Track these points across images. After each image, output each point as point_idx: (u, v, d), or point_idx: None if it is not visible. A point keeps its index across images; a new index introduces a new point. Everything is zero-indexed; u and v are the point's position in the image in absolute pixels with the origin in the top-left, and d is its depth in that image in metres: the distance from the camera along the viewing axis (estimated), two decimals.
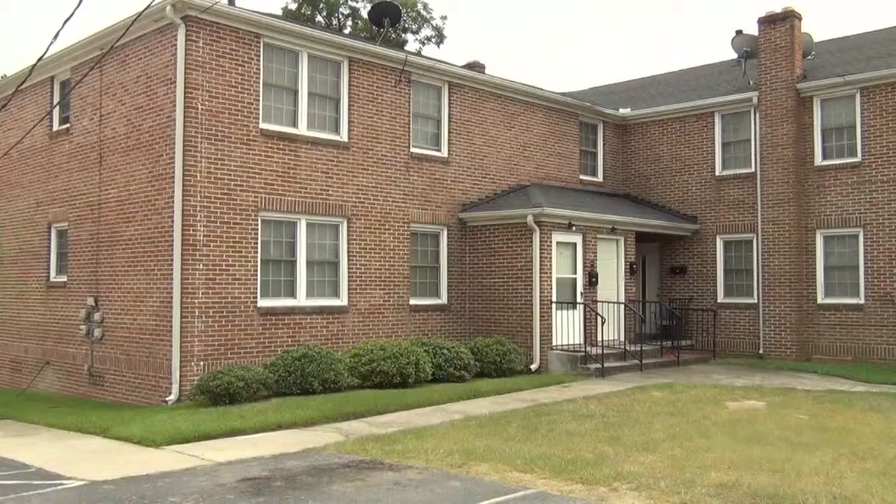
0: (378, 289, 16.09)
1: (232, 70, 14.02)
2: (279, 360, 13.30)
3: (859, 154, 18.43)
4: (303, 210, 14.95)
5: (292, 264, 14.85)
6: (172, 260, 13.28)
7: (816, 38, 21.37)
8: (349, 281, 15.61)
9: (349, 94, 15.84)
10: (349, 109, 15.83)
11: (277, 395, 12.93)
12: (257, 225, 14.25)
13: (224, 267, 13.68)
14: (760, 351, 19.20)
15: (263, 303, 14.24)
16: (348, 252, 15.64)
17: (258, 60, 14.43)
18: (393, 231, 16.46)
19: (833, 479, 7.61)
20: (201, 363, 13.22)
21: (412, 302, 16.75)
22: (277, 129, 14.69)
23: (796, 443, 9.35)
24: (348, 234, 15.67)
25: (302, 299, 14.85)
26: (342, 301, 15.51)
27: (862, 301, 18.23)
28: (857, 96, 18.51)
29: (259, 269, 14.23)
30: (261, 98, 14.47)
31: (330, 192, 15.42)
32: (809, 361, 18.36)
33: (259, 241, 14.28)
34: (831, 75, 19.04)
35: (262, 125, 14.46)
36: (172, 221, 13.36)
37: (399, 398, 12.57)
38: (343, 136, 15.74)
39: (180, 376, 13.03)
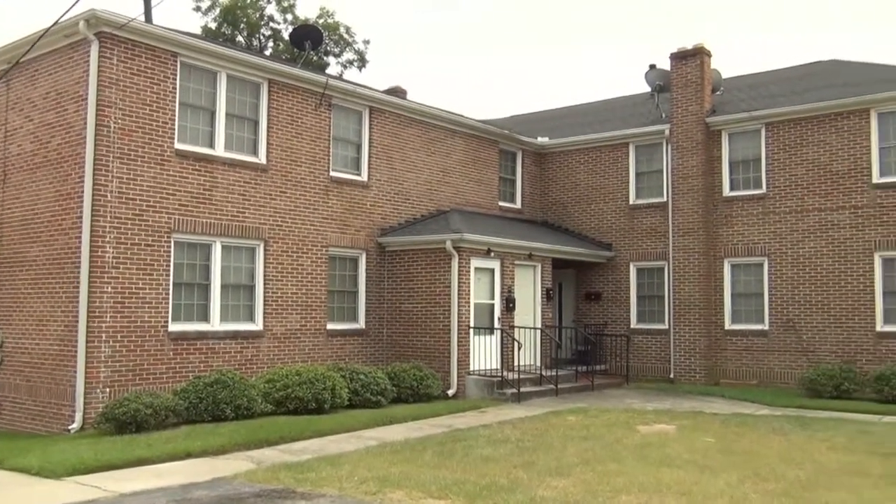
0: (295, 313, 15.88)
1: (147, 88, 13.71)
2: (190, 387, 12.93)
3: (764, 186, 19.23)
4: (218, 232, 14.66)
5: (206, 288, 14.52)
6: (79, 282, 12.81)
7: (725, 75, 22.28)
8: (265, 305, 15.35)
9: (268, 115, 15.69)
10: (268, 131, 15.67)
11: (188, 422, 12.56)
12: (170, 247, 13.90)
13: (134, 290, 13.28)
14: (671, 375, 19.70)
15: (175, 327, 13.86)
16: (265, 276, 15.40)
17: (175, 79, 14.16)
18: (311, 255, 16.30)
19: (737, 501, 7.84)
20: (107, 390, 12.75)
21: (329, 327, 16.58)
22: (193, 149, 14.41)
23: (704, 465, 9.59)
24: (265, 258, 15.44)
25: (216, 324, 14.52)
26: (257, 325, 15.24)
27: (766, 327, 18.94)
28: (763, 131, 19.35)
29: (171, 292, 13.86)
30: (177, 117, 14.18)
31: (247, 215, 15.18)
32: (717, 385, 18.92)
33: (172, 264, 13.92)
34: (738, 110, 19.86)
35: (178, 145, 14.16)
36: (80, 242, 12.90)
37: (314, 425, 12.38)
38: (261, 159, 15.55)
39: (84, 403, 12.53)
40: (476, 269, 17.31)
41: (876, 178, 17.76)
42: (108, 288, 12.92)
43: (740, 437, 11.73)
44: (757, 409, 15.46)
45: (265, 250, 15.45)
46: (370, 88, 18.74)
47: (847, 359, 17.57)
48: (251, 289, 15.28)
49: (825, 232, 18.30)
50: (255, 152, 15.53)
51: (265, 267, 15.42)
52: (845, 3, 63.29)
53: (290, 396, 13.47)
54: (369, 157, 17.70)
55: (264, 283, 15.37)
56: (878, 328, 17.46)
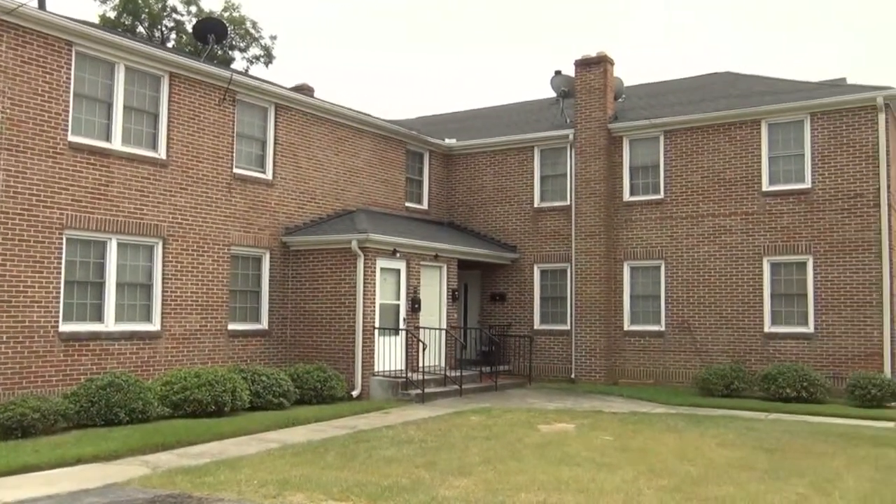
0: (195, 313, 15.47)
1: (39, 78, 13.11)
2: (82, 390, 12.41)
3: (662, 192, 19.90)
4: (114, 229, 14.15)
5: (100, 286, 13.99)
6: None
7: (627, 83, 22.93)
8: (163, 305, 14.91)
9: (169, 110, 15.24)
10: (169, 126, 15.22)
11: (79, 427, 12.05)
12: (62, 244, 13.33)
13: (22, 288, 12.67)
14: (573, 375, 20.14)
15: (66, 327, 13.30)
16: (163, 275, 14.95)
17: (69, 69, 13.59)
18: (212, 254, 15.92)
19: (632, 497, 8.07)
20: None
21: (231, 327, 16.23)
22: (88, 142, 13.87)
23: (601, 463, 9.83)
24: (164, 256, 14.99)
25: (110, 324, 14.01)
26: (155, 326, 14.78)
27: (663, 328, 19.60)
28: (661, 138, 20.01)
29: (63, 291, 13.29)
30: (71, 109, 13.62)
31: (145, 212, 14.70)
32: (616, 385, 19.46)
33: (64, 262, 13.36)
34: (639, 118, 20.48)
35: (72, 138, 13.60)
36: None
37: (213, 428, 12.07)
38: (161, 154, 15.10)
39: None
40: (382, 269, 17.27)
41: (765, 187, 18.62)
42: None
43: (637, 435, 12.09)
44: (653, 407, 15.96)
45: (164, 248, 15.00)
46: (276, 85, 18.44)
47: (737, 359, 18.35)
48: (149, 288, 14.81)
49: (718, 237, 19.08)
50: (154, 147, 15.06)
51: (164, 265, 14.97)
52: (740, 17, 66.17)
53: (188, 399, 13.10)
54: (274, 154, 17.42)
55: (163, 283, 14.93)
56: (766, 329, 18.32)
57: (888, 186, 17.32)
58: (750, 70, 24.21)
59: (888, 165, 17.42)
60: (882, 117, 17.36)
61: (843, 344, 17.46)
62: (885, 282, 17.12)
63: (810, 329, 17.84)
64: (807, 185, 18.15)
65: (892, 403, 15.87)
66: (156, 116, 15.12)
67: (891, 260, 17.21)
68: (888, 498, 8.23)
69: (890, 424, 13.92)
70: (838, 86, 19.84)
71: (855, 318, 17.38)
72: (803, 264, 18.11)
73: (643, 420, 13.77)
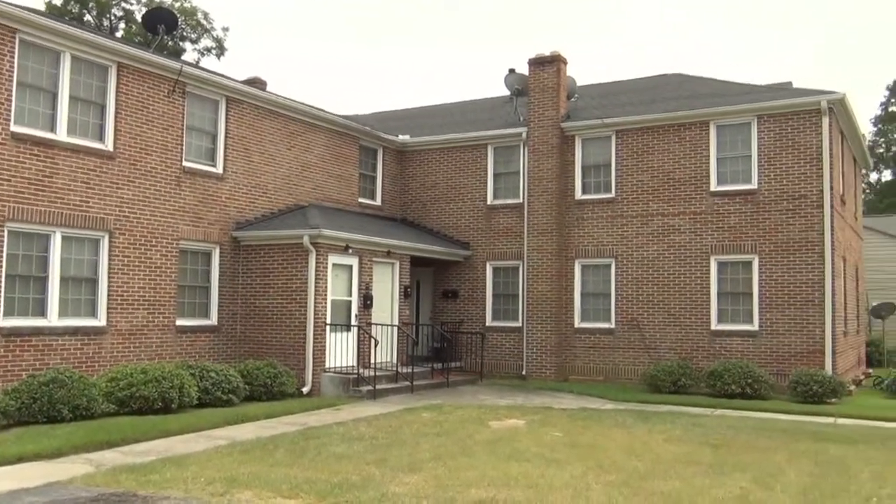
0: (142, 308, 15.19)
1: None
2: (23, 386, 12.08)
3: (613, 190, 20.13)
4: (58, 222, 13.81)
5: (43, 281, 13.65)
6: None
7: (580, 83, 23.12)
8: (109, 300, 14.60)
9: (117, 101, 14.92)
10: (116, 117, 14.90)
11: (20, 424, 11.74)
12: (3, 237, 12.97)
13: None
14: (524, 372, 20.27)
15: (6, 322, 12.94)
16: (109, 269, 14.64)
17: (12, 57, 13.21)
18: (160, 248, 15.64)
19: (581, 492, 8.16)
20: None
21: (179, 323, 15.97)
22: (32, 132, 13.51)
23: (550, 459, 9.92)
24: (110, 250, 14.68)
25: (53, 319, 13.67)
26: (100, 321, 14.47)
27: (613, 325, 19.84)
28: (613, 138, 20.24)
29: (3, 285, 12.93)
30: (14, 98, 13.25)
31: (91, 205, 14.38)
32: (567, 382, 19.64)
33: (5, 255, 12.99)
34: (592, 117, 20.68)
35: (14, 128, 13.23)
36: None
37: (160, 425, 11.88)
38: (108, 145, 14.78)
39: None
40: (334, 265, 17.16)
41: (713, 187, 18.95)
42: None
43: (586, 431, 12.22)
44: (603, 403, 16.15)
45: (110, 242, 14.70)
46: (228, 77, 18.18)
47: (685, 356, 18.67)
48: (94, 282, 14.49)
49: (667, 236, 19.37)
50: (101, 138, 14.74)
51: (110, 260, 14.67)
52: (692, 19, 67.28)
53: (134, 396, 12.86)
54: (225, 148, 17.18)
55: (109, 277, 14.62)
56: (713, 327, 18.66)
57: (831, 188, 17.77)
58: (700, 72, 24.66)
59: (831, 167, 17.87)
60: (826, 121, 17.80)
61: (787, 341, 17.88)
62: (827, 281, 17.56)
63: (755, 327, 18.23)
64: (753, 185, 18.53)
65: (833, 399, 16.31)
66: (103, 107, 14.79)
67: (833, 260, 17.66)
68: (827, 491, 8.46)
69: (830, 420, 14.31)
70: (785, 89, 20.30)
71: (798, 316, 17.80)
72: (749, 263, 18.49)
73: (592, 416, 13.93)
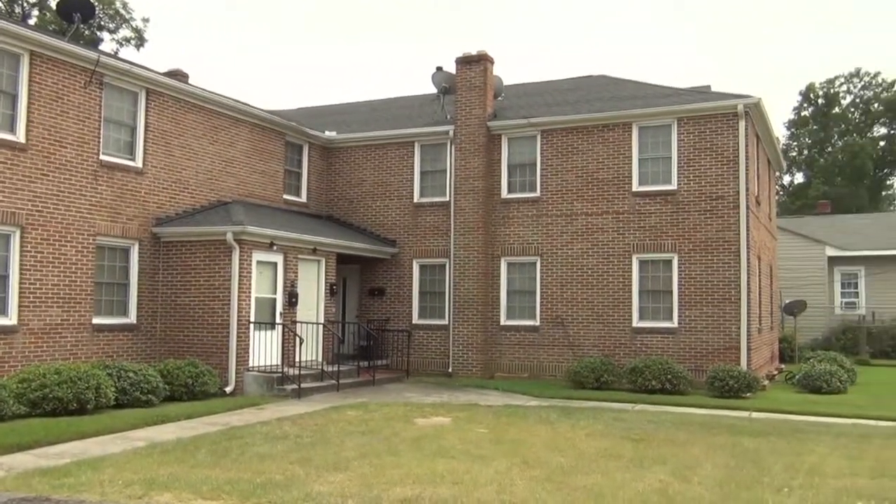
0: (56, 307, 14.65)
1: None
2: None
3: (538, 190, 20.36)
4: None
5: None
6: None
7: (506, 82, 23.30)
8: (21, 297, 14.04)
9: (29, 91, 14.35)
10: (28, 108, 14.34)
11: None
12: None
13: None
14: (450, 370, 20.34)
15: None
16: (20, 265, 14.07)
17: None
18: (76, 244, 15.12)
19: (505, 488, 8.23)
20: None
21: (96, 321, 15.47)
22: None
23: (476, 455, 9.97)
24: (21, 246, 14.11)
25: None
26: (11, 320, 13.90)
27: (538, 323, 20.08)
28: (539, 137, 20.47)
29: None
30: None
31: (1, 199, 13.79)
32: (493, 379, 19.78)
33: None
34: (518, 116, 20.87)
35: None
36: None
37: (75, 426, 11.47)
38: (20, 137, 14.20)
39: None
40: (258, 262, 16.88)
41: (635, 187, 19.37)
42: None
43: (511, 427, 12.33)
44: (528, 400, 16.32)
45: (22, 238, 14.13)
46: (147, 69, 17.66)
47: (607, 352, 19.03)
48: (4, 279, 13.91)
49: (591, 235, 19.70)
50: (12, 129, 14.15)
51: (21, 256, 14.10)
52: (613, 21, 68.65)
53: (47, 397, 12.39)
54: (145, 141, 16.70)
55: (20, 274, 14.05)
56: (634, 324, 19.07)
57: (747, 189, 18.36)
58: (623, 74, 25.15)
59: (747, 169, 18.46)
60: (742, 124, 18.39)
61: (704, 338, 18.40)
62: (742, 280, 18.14)
63: (674, 324, 18.71)
64: (673, 186, 19.01)
65: (748, 394, 16.87)
66: (14, 97, 14.20)
67: (748, 259, 18.26)
68: (742, 482, 8.73)
69: (745, 414, 14.79)
70: (704, 93, 20.87)
71: (715, 313, 18.34)
72: (669, 262, 18.96)
73: (517, 413, 14.06)
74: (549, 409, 14.60)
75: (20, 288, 14.05)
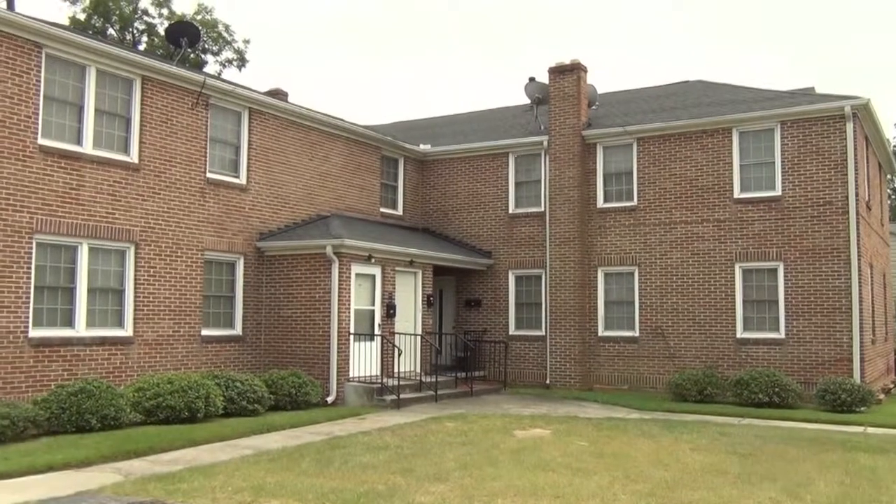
0: (168, 319, 15.31)
1: (8, 80, 12.92)
2: (52, 396, 12.22)
3: (635, 198, 20.04)
4: (85, 234, 13.97)
5: (71, 291, 13.80)
6: None
7: (600, 91, 23.08)
8: (136, 310, 14.73)
9: (142, 113, 15.10)
10: (141, 129, 15.07)
11: (49, 433, 11.87)
12: (31, 248, 13.13)
13: None
14: (548, 381, 20.19)
15: (36, 333, 13.09)
16: (135, 280, 14.78)
17: (39, 72, 13.40)
18: (185, 259, 15.77)
19: (608, 502, 8.11)
20: None
21: (204, 333, 16.08)
22: (59, 146, 13.69)
23: (577, 468, 9.87)
24: (136, 261, 14.82)
25: (81, 329, 13.82)
26: (127, 331, 14.60)
27: (637, 334, 19.72)
28: (634, 145, 20.17)
29: (32, 296, 13.08)
30: (41, 112, 13.44)
31: (117, 216, 14.53)
32: (591, 391, 19.54)
33: (33, 266, 13.15)
34: (613, 125, 20.63)
35: (42, 141, 13.41)
36: None
37: (186, 434, 11.95)
38: (133, 158, 14.94)
39: None
40: (357, 275, 17.21)
41: (737, 194, 18.82)
42: None
43: (612, 441, 12.14)
44: (628, 413, 16.04)
45: (136, 253, 14.84)
46: (250, 89, 18.33)
47: (710, 364, 18.51)
48: (121, 293, 14.63)
49: (691, 243, 19.25)
50: (126, 151, 14.90)
51: (136, 270, 14.81)
52: (711, 25, 67.03)
53: (161, 405, 12.96)
54: (248, 159, 17.31)
55: (135, 288, 14.76)
56: (738, 335, 18.49)
57: (856, 194, 17.59)
58: (720, 79, 24.58)
59: (856, 173, 17.69)
60: (850, 126, 17.64)
61: (814, 349, 17.68)
62: (854, 288, 17.36)
63: (781, 335, 18.05)
64: (777, 192, 18.38)
65: (862, 408, 16.10)
66: (128, 120, 14.96)
67: (859, 266, 17.47)
68: (858, 501, 8.34)
69: (859, 429, 14.12)
70: (808, 95, 20.13)
71: (825, 323, 17.60)
72: (774, 270, 18.33)
73: (618, 425, 13.84)
74: (650, 423, 14.31)
75: (135, 301, 14.75)
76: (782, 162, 18.38)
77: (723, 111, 19.47)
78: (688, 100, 21.77)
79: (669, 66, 64.37)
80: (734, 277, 18.68)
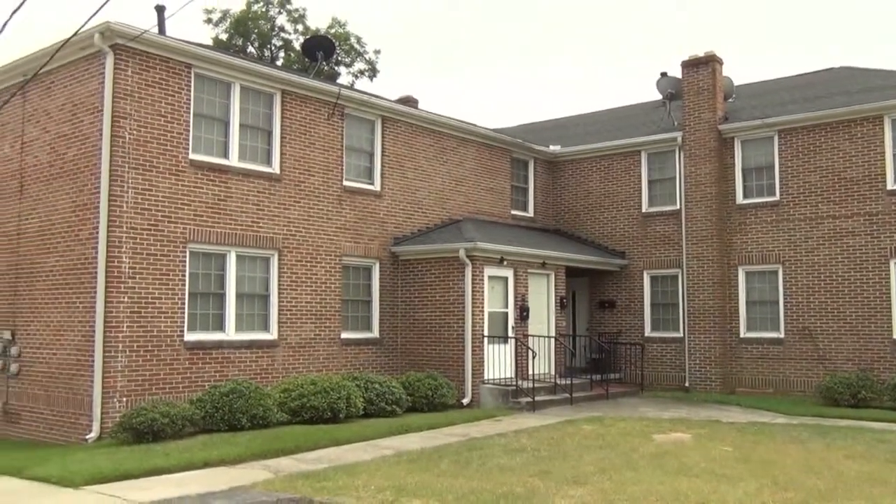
0: (309, 322, 15.92)
1: (161, 100, 13.81)
2: (206, 396, 12.97)
3: (777, 193, 19.17)
4: (233, 242, 14.73)
5: (221, 297, 14.58)
6: (96, 292, 12.89)
7: (736, 82, 22.24)
8: (279, 314, 15.40)
9: (282, 126, 15.77)
10: (281, 141, 15.75)
11: (204, 431, 12.60)
12: (185, 257, 13.98)
13: (150, 300, 13.35)
14: (686, 384, 19.61)
15: (191, 337, 13.92)
16: (279, 285, 15.45)
17: (189, 90, 14.26)
18: (325, 264, 16.35)
19: None
20: (124, 399, 12.81)
21: (344, 336, 16.61)
22: (208, 159, 14.51)
23: (721, 474, 9.54)
24: (279, 267, 15.50)
25: (231, 333, 14.58)
26: (272, 335, 15.28)
27: (782, 335, 18.84)
28: (776, 138, 19.29)
29: (187, 302, 13.92)
30: (191, 128, 14.28)
31: (261, 225, 15.25)
32: (733, 394, 18.82)
33: (187, 274, 13.99)
34: (751, 118, 19.81)
35: (192, 156, 14.26)
36: (96, 252, 12.99)
37: (329, 434, 12.39)
38: (275, 169, 15.63)
39: (101, 413, 12.59)
40: (490, 277, 17.31)
41: (890, 185, 17.66)
42: (124, 298, 12.99)
43: (757, 446, 11.66)
44: (773, 417, 15.37)
45: (279, 260, 15.51)
46: (382, 98, 18.81)
47: (864, 367, 17.45)
48: (265, 298, 15.33)
49: (840, 239, 18.21)
50: (268, 162, 15.61)
51: (279, 276, 15.48)
52: (854, 10, 63.17)
53: (305, 406, 13.50)
54: (382, 166, 17.76)
55: (278, 293, 15.43)
56: (895, 336, 17.34)
57: None
58: (866, 64, 23.11)
59: None
60: None
61: None
62: None
63: None
64: None
65: None
66: (269, 133, 15.67)
67: None
68: None
69: None
70: None
71: None
72: None
73: (763, 430, 13.28)
74: (799, 428, 13.64)
75: (279, 306, 15.42)
76: None
77: (872, 98, 18.31)
78: (832, 88, 20.63)
79: (808, 54, 61.15)
80: (889, 274, 17.52)
